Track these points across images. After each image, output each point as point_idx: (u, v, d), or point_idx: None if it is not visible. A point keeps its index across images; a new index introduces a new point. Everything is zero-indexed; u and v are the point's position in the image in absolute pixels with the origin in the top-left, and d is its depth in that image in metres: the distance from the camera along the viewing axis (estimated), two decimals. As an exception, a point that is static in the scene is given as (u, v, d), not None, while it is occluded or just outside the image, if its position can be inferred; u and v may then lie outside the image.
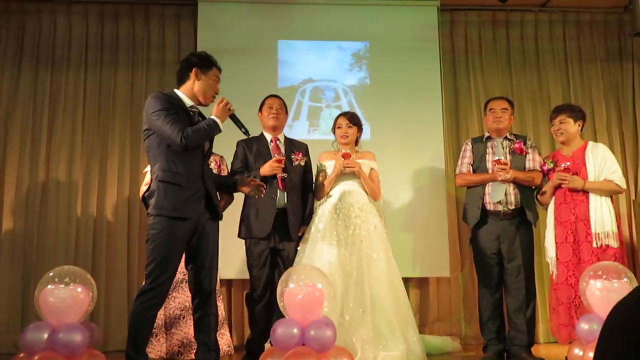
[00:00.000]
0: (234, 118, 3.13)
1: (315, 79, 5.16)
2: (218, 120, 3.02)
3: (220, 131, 3.04)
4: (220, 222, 4.07)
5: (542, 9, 5.48)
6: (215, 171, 4.10)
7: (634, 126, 5.40)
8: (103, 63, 5.14)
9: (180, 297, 3.94)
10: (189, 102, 3.08)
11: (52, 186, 4.89)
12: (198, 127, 2.96)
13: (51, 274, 2.91)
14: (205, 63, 3.15)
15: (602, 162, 3.68)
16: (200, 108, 3.21)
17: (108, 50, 5.16)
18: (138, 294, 2.90)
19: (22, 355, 2.81)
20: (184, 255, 3.06)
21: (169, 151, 2.94)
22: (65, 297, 2.83)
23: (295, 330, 2.86)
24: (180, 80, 3.15)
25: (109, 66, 5.14)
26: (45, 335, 2.78)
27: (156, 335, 3.83)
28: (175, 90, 3.13)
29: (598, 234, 3.54)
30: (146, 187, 3.89)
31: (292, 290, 2.95)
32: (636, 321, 1.32)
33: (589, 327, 3.07)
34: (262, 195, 3.35)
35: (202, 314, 3.02)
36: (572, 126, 3.80)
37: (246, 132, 3.18)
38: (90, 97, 5.07)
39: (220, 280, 4.18)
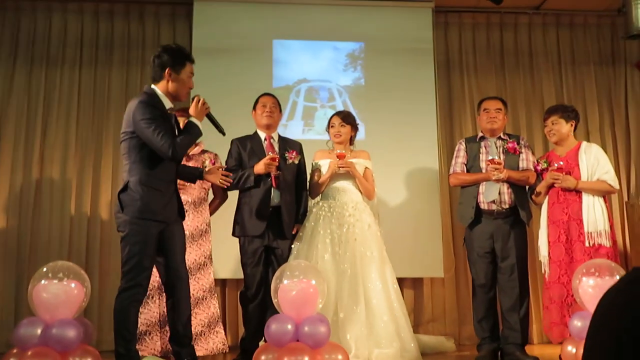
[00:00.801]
0: (210, 117, 3.22)
1: (310, 79, 5.17)
2: (198, 122, 3.11)
3: (201, 134, 3.14)
4: (213, 221, 4.14)
5: (535, 11, 5.52)
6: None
7: (626, 128, 5.44)
8: (98, 61, 5.14)
9: None
10: (168, 104, 3.12)
11: (46, 184, 4.87)
12: (184, 137, 3.06)
13: (45, 269, 2.90)
14: (177, 60, 3.15)
15: (595, 162, 3.70)
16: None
17: (103, 49, 5.16)
18: (118, 292, 2.99)
19: (15, 351, 2.79)
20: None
21: (151, 156, 3.02)
22: (59, 292, 2.82)
23: (289, 327, 2.86)
24: (155, 78, 3.17)
25: (103, 65, 5.13)
26: (39, 331, 2.77)
27: (150, 334, 3.82)
28: (153, 87, 3.15)
29: (590, 233, 3.56)
30: None
31: (286, 286, 2.95)
32: (621, 308, 1.33)
33: (582, 325, 3.08)
34: (227, 184, 3.44)
35: (174, 305, 3.16)
36: (564, 126, 3.83)
37: (222, 132, 3.26)
38: (84, 96, 5.06)
39: (215, 280, 4.17)
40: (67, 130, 4.99)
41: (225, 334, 4.40)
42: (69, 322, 2.80)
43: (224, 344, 4.00)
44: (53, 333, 2.74)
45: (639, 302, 1.30)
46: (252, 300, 3.69)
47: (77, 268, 2.96)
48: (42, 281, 2.85)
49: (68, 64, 5.10)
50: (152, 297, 3.88)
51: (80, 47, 5.14)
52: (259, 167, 3.68)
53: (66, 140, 4.97)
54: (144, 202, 2.97)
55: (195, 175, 3.43)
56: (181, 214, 3.24)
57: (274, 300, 3.02)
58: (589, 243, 3.56)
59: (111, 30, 5.21)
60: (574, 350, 3.12)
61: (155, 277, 3.83)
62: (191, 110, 3.14)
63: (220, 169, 3.43)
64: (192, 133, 3.10)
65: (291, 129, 4.99)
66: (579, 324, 3.12)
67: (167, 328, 3.76)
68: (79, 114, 5.03)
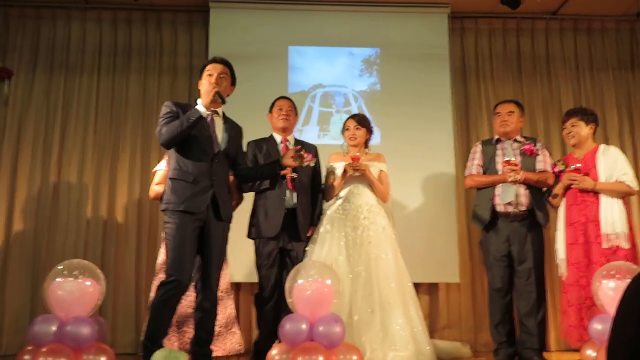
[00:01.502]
0: (218, 96, 3.22)
1: (326, 85, 5.19)
2: (200, 107, 3.16)
3: (200, 115, 3.13)
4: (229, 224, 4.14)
5: (553, 16, 5.48)
6: None
7: (646, 135, 5.36)
8: (116, 68, 5.21)
9: (192, 295, 3.92)
10: (202, 109, 3.17)
11: (63, 188, 4.93)
12: (172, 123, 3.14)
13: (60, 267, 2.91)
14: (201, 70, 3.37)
15: (613, 164, 3.65)
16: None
17: (121, 56, 5.23)
18: (159, 286, 3.07)
19: (29, 348, 2.80)
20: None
21: (180, 152, 3.18)
22: (74, 290, 2.84)
23: (303, 326, 2.84)
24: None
25: (121, 72, 5.20)
26: (54, 328, 2.78)
27: (167, 334, 3.81)
28: (198, 99, 3.30)
29: (608, 234, 3.50)
30: (157, 186, 3.95)
31: (300, 286, 2.94)
32: None
33: (602, 328, 3.02)
34: (305, 163, 3.46)
35: (204, 312, 3.18)
36: (583, 129, 3.78)
37: (223, 102, 3.27)
38: (102, 102, 5.13)
39: (230, 283, 4.16)
40: (85, 135, 5.05)
41: (240, 337, 4.39)
42: (83, 320, 2.80)
43: (240, 345, 3.99)
44: (67, 330, 2.75)
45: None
46: (267, 302, 3.67)
47: (92, 266, 2.98)
48: (58, 279, 2.86)
49: (87, 71, 5.17)
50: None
51: (98, 54, 5.21)
52: (288, 159, 3.45)
53: (84, 145, 5.02)
54: (168, 194, 3.14)
55: (274, 166, 3.45)
56: (218, 215, 3.19)
57: (289, 300, 3.00)
58: (607, 245, 3.50)
59: (129, 37, 5.28)
60: (593, 354, 3.05)
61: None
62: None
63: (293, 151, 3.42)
64: (184, 118, 3.13)
65: (307, 134, 4.99)
66: (599, 327, 3.06)
67: (185, 329, 3.78)
68: (96, 120, 5.09)
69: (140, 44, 5.27)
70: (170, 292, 3.00)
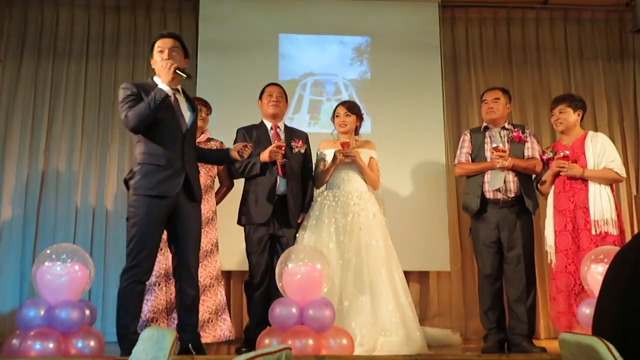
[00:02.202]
0: (179, 71, 3.12)
1: (316, 73, 5.17)
2: (161, 85, 3.06)
3: (165, 94, 3.04)
4: (219, 212, 4.13)
5: (543, 6, 5.49)
6: None
7: (635, 123, 5.39)
8: (104, 55, 5.16)
9: (155, 265, 3.86)
10: (165, 88, 3.08)
11: (52, 176, 4.89)
12: (137, 107, 3.03)
13: (48, 251, 2.90)
14: (151, 47, 3.26)
15: (601, 151, 3.67)
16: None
17: (109, 43, 5.18)
18: (121, 273, 3.03)
19: (18, 331, 2.78)
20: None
21: (148, 135, 3.08)
22: (63, 274, 2.81)
23: (293, 310, 2.84)
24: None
25: (110, 58, 5.16)
26: (42, 312, 2.76)
27: (156, 320, 3.80)
28: (155, 77, 3.22)
29: (597, 221, 3.53)
30: None
31: (290, 270, 2.94)
32: (632, 264, 1.32)
33: (591, 312, 3.03)
34: (247, 155, 3.39)
35: (182, 294, 3.13)
36: (571, 115, 3.80)
37: (188, 76, 3.17)
38: (91, 89, 5.09)
39: (220, 270, 4.15)
40: (73, 122, 5.01)
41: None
42: (72, 304, 2.79)
43: (230, 331, 3.99)
44: (56, 314, 2.74)
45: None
46: (257, 289, 3.66)
47: (81, 251, 2.96)
48: (46, 263, 2.85)
49: (75, 57, 5.13)
50: (159, 284, 3.87)
51: (86, 40, 5.16)
52: (265, 155, 3.67)
53: (72, 132, 4.98)
54: (139, 179, 3.05)
55: (223, 155, 3.42)
56: (191, 196, 3.14)
57: (279, 285, 3.00)
58: (596, 231, 3.52)
59: (117, 24, 5.24)
60: (582, 338, 3.07)
61: (161, 264, 3.83)
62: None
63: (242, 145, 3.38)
64: (149, 97, 3.03)
65: (297, 122, 4.97)
66: (587, 311, 3.09)
67: (175, 315, 3.76)
68: (85, 107, 5.05)
69: (129, 30, 5.23)
70: (135, 278, 2.98)
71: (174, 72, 3.08)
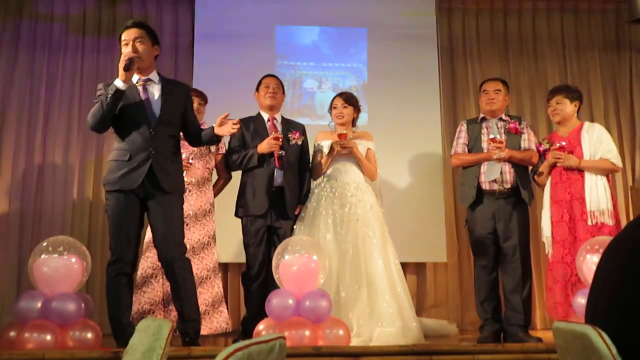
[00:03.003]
0: (127, 67, 2.99)
1: (313, 64, 5.16)
2: (117, 81, 2.99)
3: (119, 89, 2.97)
4: (216, 204, 4.13)
5: (540, -3, 5.49)
6: (212, 150, 4.10)
7: (631, 114, 5.40)
8: (100, 47, 5.14)
9: (152, 257, 3.88)
10: (118, 83, 2.99)
11: (49, 169, 4.88)
12: (94, 107, 3.06)
13: (45, 243, 2.90)
14: (119, 41, 3.20)
15: (597, 141, 3.68)
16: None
17: (105, 34, 5.16)
18: (106, 267, 3.06)
19: (15, 323, 2.79)
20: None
21: (116, 131, 3.13)
22: (59, 266, 2.82)
23: (290, 301, 2.85)
24: None
25: (106, 50, 5.13)
26: (39, 304, 2.76)
27: (153, 312, 3.80)
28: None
29: (593, 211, 3.53)
30: None
31: (287, 261, 2.95)
32: (626, 253, 1.33)
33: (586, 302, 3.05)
34: (236, 130, 3.27)
35: (171, 286, 3.16)
36: (568, 106, 3.80)
37: (132, 63, 3.01)
38: (87, 81, 5.06)
39: (218, 264, 4.16)
40: (69, 115, 5.00)
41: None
42: (68, 296, 2.80)
43: (227, 323, 4.00)
44: (53, 306, 2.74)
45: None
46: (254, 280, 3.67)
47: (77, 243, 2.97)
48: (43, 255, 2.85)
49: (71, 49, 5.11)
50: (156, 277, 3.88)
51: (82, 32, 5.14)
52: (263, 146, 3.66)
53: (69, 125, 4.98)
54: (106, 175, 3.14)
55: (210, 134, 3.29)
56: (158, 186, 3.06)
57: (275, 276, 3.01)
58: (592, 222, 3.53)
59: (113, 16, 5.21)
60: (578, 328, 3.09)
61: (157, 257, 3.83)
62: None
63: (224, 118, 3.25)
64: (102, 97, 3.01)
65: (294, 113, 4.96)
66: (583, 301, 3.10)
67: (172, 307, 3.77)
68: (81, 99, 5.03)
69: (125, 22, 5.19)
70: (118, 271, 2.99)
71: (125, 62, 2.97)
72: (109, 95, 2.95)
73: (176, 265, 3.10)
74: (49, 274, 2.81)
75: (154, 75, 3.21)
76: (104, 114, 3.00)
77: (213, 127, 3.25)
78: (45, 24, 5.11)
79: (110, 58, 5.11)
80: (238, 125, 3.27)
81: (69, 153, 4.92)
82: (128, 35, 3.12)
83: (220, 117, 3.23)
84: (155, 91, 3.18)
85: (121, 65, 2.97)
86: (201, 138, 3.34)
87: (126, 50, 3.06)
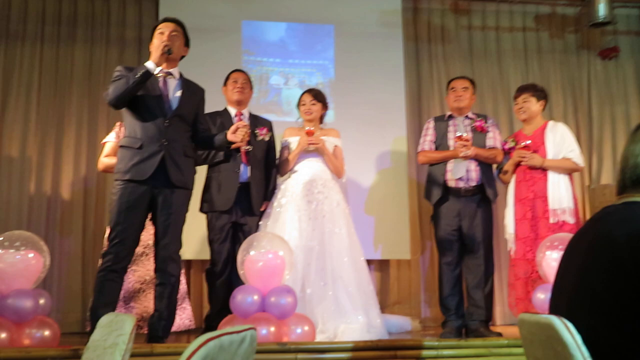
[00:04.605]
0: (169, 51, 3.08)
1: (279, 61, 5.13)
2: (149, 63, 3.03)
3: (146, 70, 3.00)
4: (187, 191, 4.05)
5: (503, -1, 5.60)
6: None
7: (588, 115, 5.55)
8: (60, 38, 4.99)
9: (140, 271, 3.85)
10: (150, 65, 3.04)
11: (5, 163, 4.71)
12: (119, 81, 3.03)
13: (1, 238, 2.79)
14: (152, 31, 3.23)
15: (560, 141, 3.76)
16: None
17: (66, 26, 5.01)
18: (102, 255, 3.02)
19: (-32, 321, 2.68)
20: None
21: (130, 118, 3.09)
22: (16, 262, 2.72)
23: (255, 297, 2.83)
24: None
25: (66, 41, 4.99)
26: (-6, 301, 2.66)
27: (114, 309, 3.73)
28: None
29: (555, 210, 3.61)
30: (106, 158, 3.83)
31: (252, 257, 2.92)
32: (587, 246, 1.37)
33: (545, 297, 3.13)
34: (248, 137, 3.31)
35: (158, 281, 3.09)
36: (534, 105, 3.88)
37: (169, 52, 3.09)
38: (46, 73, 4.91)
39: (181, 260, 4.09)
40: (27, 107, 4.83)
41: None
42: (25, 293, 2.70)
43: (191, 320, 3.95)
44: (8, 303, 2.65)
45: (602, 240, 1.33)
46: (219, 277, 3.62)
47: (35, 238, 2.87)
48: (-1, 250, 2.74)
49: (29, 39, 4.94)
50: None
51: (42, 23, 4.98)
52: (232, 131, 3.48)
53: (26, 117, 4.81)
54: (117, 163, 3.08)
55: (222, 140, 3.26)
56: (168, 180, 3.03)
57: (240, 272, 2.97)
58: (554, 220, 3.61)
59: (74, 6, 5.06)
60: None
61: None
62: None
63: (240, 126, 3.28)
64: (133, 73, 3.01)
65: (261, 109, 4.92)
66: (542, 296, 3.18)
67: (132, 304, 3.69)
68: (40, 91, 4.88)
69: (87, 13, 5.07)
70: (107, 264, 2.94)
71: (163, 50, 3.02)
72: (138, 74, 2.96)
73: (169, 263, 3.07)
74: (5, 270, 2.71)
75: (175, 71, 3.24)
76: (127, 90, 2.98)
77: (226, 133, 3.27)
78: (2, 13, 4.93)
79: (70, 49, 4.98)
80: (247, 129, 3.30)
81: (26, 145, 4.77)
82: (166, 27, 3.19)
83: (237, 124, 3.25)
84: (174, 86, 3.20)
85: (159, 48, 3.01)
86: (212, 142, 3.34)
87: (162, 39, 3.09)
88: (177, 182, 3.07)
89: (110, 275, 2.94)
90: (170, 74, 3.20)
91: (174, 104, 3.15)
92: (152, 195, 3.04)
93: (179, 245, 3.15)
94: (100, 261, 3.04)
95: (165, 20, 3.25)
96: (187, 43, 3.32)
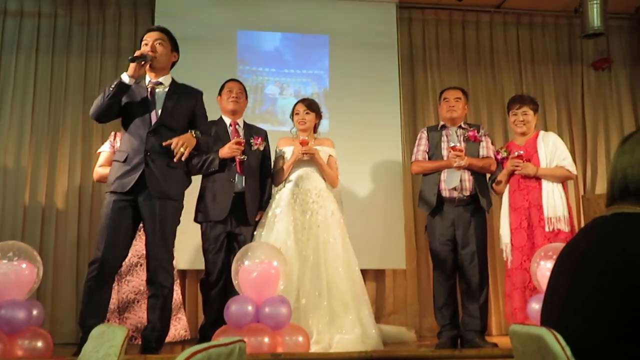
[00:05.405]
0: (134, 59, 3.02)
1: (274, 70, 5.15)
2: (123, 75, 3.02)
3: (123, 82, 3.00)
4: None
5: (496, 10, 5.63)
6: None
7: (582, 125, 5.59)
8: (55, 48, 5.01)
9: (134, 281, 3.85)
10: (125, 77, 3.03)
11: (-1, 173, 4.71)
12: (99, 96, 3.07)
13: (-6, 248, 2.78)
14: (140, 42, 3.24)
15: (553, 149, 3.78)
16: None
17: (61, 36, 5.03)
18: (88, 265, 3.04)
19: (-40, 333, 2.66)
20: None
21: (123, 131, 3.14)
22: (8, 272, 2.71)
23: (249, 308, 2.82)
24: None
25: (61, 51, 5.01)
26: (-14, 312, 2.64)
27: (108, 320, 3.71)
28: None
29: (550, 218, 3.62)
30: (100, 168, 3.83)
31: (247, 267, 2.91)
32: (577, 256, 1.37)
33: (540, 307, 3.12)
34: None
35: (150, 293, 3.10)
36: (533, 118, 3.90)
37: (143, 57, 3.05)
38: (41, 82, 4.93)
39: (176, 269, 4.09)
40: (22, 117, 4.84)
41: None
42: (18, 303, 2.69)
43: (186, 331, 3.94)
44: (1, 314, 2.63)
45: (593, 251, 1.34)
46: (213, 287, 3.61)
47: (28, 248, 2.86)
48: (-9, 261, 2.73)
49: (24, 49, 4.96)
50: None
51: (37, 33, 5.00)
52: (224, 151, 3.62)
53: (21, 128, 4.82)
54: (109, 176, 3.14)
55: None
56: (148, 192, 3.03)
57: (235, 282, 2.97)
58: (549, 228, 3.61)
59: (70, 17, 5.08)
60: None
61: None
62: None
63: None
64: (107, 87, 3.04)
65: (255, 119, 4.93)
66: (537, 306, 3.16)
67: (126, 315, 3.68)
68: (34, 101, 4.89)
69: (82, 23, 5.09)
70: (92, 273, 2.95)
71: (138, 55, 3.00)
72: (112, 86, 2.97)
73: (160, 273, 3.05)
74: (-2, 281, 2.69)
75: (165, 79, 3.22)
76: (103, 104, 3.00)
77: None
78: (-3, 23, 4.95)
79: (65, 59, 4.99)
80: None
81: (21, 155, 4.76)
82: (150, 36, 3.19)
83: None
84: (162, 95, 3.17)
85: (130, 58, 3.01)
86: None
87: (144, 49, 3.09)
88: (158, 193, 3.04)
89: (97, 284, 2.95)
90: (160, 83, 3.18)
91: (158, 113, 3.12)
92: (137, 206, 3.05)
93: (169, 255, 3.14)
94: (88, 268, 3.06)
95: (149, 30, 3.25)
96: (175, 48, 3.29)
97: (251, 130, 3.89)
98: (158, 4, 5.04)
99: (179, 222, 3.23)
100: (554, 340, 1.20)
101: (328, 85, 5.20)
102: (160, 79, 3.19)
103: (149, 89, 3.14)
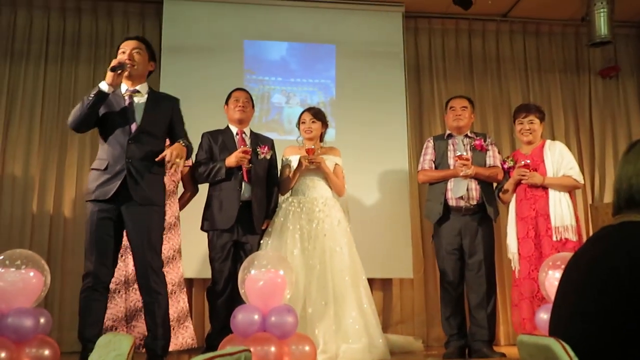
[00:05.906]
0: (114, 69, 3.01)
1: (281, 79, 5.17)
2: (102, 83, 3.01)
3: (102, 91, 2.99)
4: (182, 217, 4.06)
5: (503, 19, 5.63)
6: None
7: (590, 134, 5.56)
8: (64, 58, 5.04)
9: (116, 272, 3.79)
10: (103, 85, 3.02)
11: (8, 181, 4.74)
12: (78, 104, 3.10)
13: (2, 257, 2.79)
14: (116, 51, 3.26)
15: (559, 159, 3.77)
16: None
17: (70, 45, 5.07)
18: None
19: (-33, 341, 2.67)
20: None
21: (102, 139, 3.13)
22: (16, 280, 2.72)
23: (256, 317, 2.82)
24: None
25: (70, 61, 5.04)
26: (-6, 320, 2.65)
27: (116, 329, 3.72)
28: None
29: (557, 227, 3.60)
30: None
31: (253, 276, 2.91)
32: (585, 266, 1.37)
33: (549, 317, 3.09)
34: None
35: (144, 301, 3.12)
36: (539, 126, 3.90)
37: (121, 66, 3.03)
38: (49, 92, 4.96)
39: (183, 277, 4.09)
40: (30, 126, 4.87)
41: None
42: (26, 312, 2.69)
43: (193, 339, 3.93)
44: (9, 322, 2.64)
45: (600, 260, 1.34)
46: (220, 296, 3.61)
47: (36, 256, 2.87)
48: (-1, 269, 2.74)
49: (33, 59, 5.00)
50: (119, 292, 3.79)
51: (46, 42, 5.04)
52: (231, 160, 3.63)
53: (29, 136, 4.85)
54: (87, 184, 3.15)
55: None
56: (131, 199, 3.02)
57: (241, 291, 2.97)
58: (557, 237, 3.60)
59: (78, 26, 5.13)
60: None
61: (121, 271, 3.76)
62: None
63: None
64: (86, 97, 3.05)
65: (262, 128, 4.94)
66: (545, 316, 3.14)
67: (134, 323, 3.68)
68: (43, 110, 4.92)
69: (91, 33, 5.13)
70: (87, 285, 2.99)
71: (115, 64, 3.00)
72: (91, 95, 2.98)
73: (152, 280, 3.05)
74: (5, 288, 2.70)
75: (142, 87, 3.22)
76: (82, 113, 3.02)
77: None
78: (8, 32, 5.00)
79: (74, 68, 5.03)
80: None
81: (29, 164, 4.79)
82: (127, 45, 3.21)
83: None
84: (140, 102, 3.18)
85: (109, 67, 3.00)
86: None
87: (122, 58, 3.10)
88: (140, 200, 3.05)
89: (92, 295, 2.98)
90: (137, 91, 3.19)
91: (137, 120, 3.12)
92: (120, 215, 3.06)
93: (159, 260, 3.14)
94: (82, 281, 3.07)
95: (127, 39, 3.26)
96: (152, 57, 3.31)
97: (258, 139, 3.90)
98: (165, 14, 5.08)
99: (163, 229, 3.27)
100: (561, 351, 1.19)
101: (334, 94, 5.21)
102: (138, 87, 3.19)
103: (127, 98, 3.14)
